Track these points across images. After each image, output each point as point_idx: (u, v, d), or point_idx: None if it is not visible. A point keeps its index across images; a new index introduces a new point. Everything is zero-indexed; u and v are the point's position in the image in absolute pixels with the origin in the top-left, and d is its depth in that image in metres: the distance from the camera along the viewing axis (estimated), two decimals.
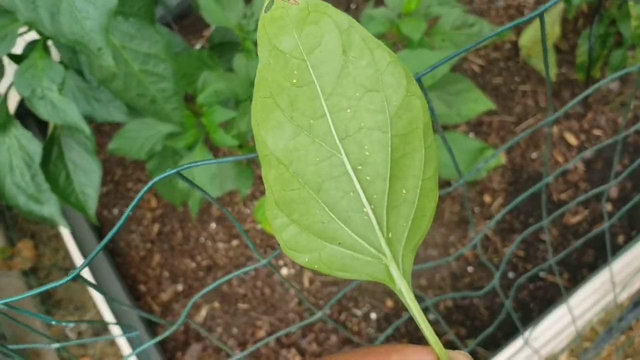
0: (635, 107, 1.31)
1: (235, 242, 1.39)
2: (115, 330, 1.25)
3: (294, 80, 0.21)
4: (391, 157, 0.20)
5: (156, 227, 1.47)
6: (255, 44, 0.95)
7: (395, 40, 0.89)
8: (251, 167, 0.99)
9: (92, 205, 0.88)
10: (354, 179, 0.20)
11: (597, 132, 1.30)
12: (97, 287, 0.34)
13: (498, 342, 1.21)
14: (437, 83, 0.83)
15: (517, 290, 1.23)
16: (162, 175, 0.28)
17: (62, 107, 0.78)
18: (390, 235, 0.20)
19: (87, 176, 0.92)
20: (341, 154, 0.20)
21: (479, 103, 0.91)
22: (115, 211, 1.51)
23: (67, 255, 1.53)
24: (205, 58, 0.98)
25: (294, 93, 0.21)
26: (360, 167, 0.20)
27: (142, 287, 1.41)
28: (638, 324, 1.30)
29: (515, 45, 1.44)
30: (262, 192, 1.38)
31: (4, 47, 0.75)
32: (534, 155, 1.31)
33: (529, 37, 1.44)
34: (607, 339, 1.29)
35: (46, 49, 0.77)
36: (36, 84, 0.80)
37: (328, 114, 0.20)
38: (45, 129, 1.36)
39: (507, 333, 1.21)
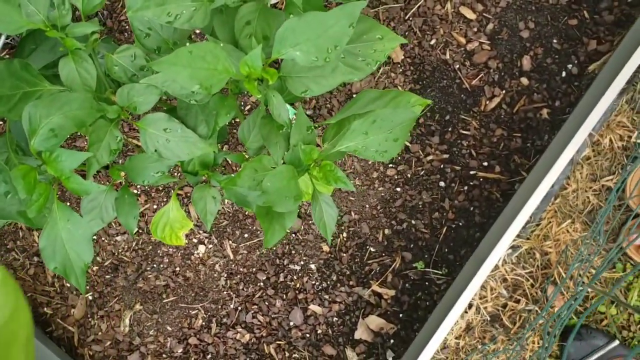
0: None
1: (134, 231, 1.19)
2: None
3: None
4: None
5: (35, 235, 1.24)
6: (83, 39, 0.70)
7: None
8: (130, 192, 0.79)
9: None
10: None
11: None
12: None
13: (446, 259, 1.15)
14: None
15: (452, 198, 1.15)
16: None
17: None
18: None
19: None
20: None
21: (386, 41, 0.73)
22: None
23: None
24: (20, 71, 0.72)
25: None
26: None
27: (47, 310, 1.21)
28: (569, 181, 1.27)
29: None
30: (157, 194, 1.17)
31: None
32: (433, 41, 1.16)
33: None
34: (543, 207, 1.27)
35: None
36: None
37: None
38: None
39: (454, 247, 1.15)
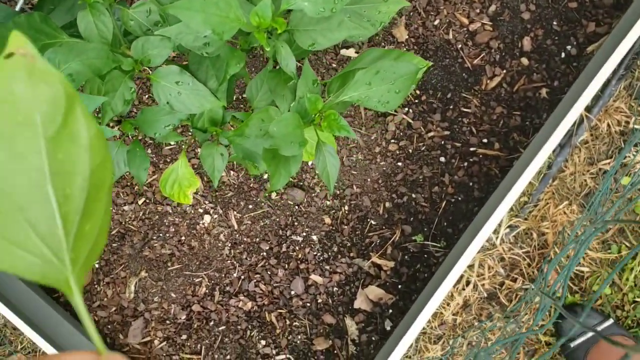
0: None
1: (142, 200, 1.22)
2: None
3: (19, 119, 0.25)
4: (86, 199, 0.26)
5: None
6: None
7: None
8: (141, 145, 0.82)
9: None
10: (55, 207, 0.25)
11: None
12: None
13: (445, 232, 1.18)
14: None
15: (452, 174, 1.18)
16: None
17: None
18: (73, 256, 0.26)
19: None
20: (48, 185, 0.25)
21: (390, 3, 0.77)
22: None
23: None
24: (40, 24, 0.75)
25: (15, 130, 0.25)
26: (62, 200, 0.26)
27: None
28: (567, 164, 1.30)
29: None
30: (165, 166, 1.20)
31: None
32: (436, 21, 1.20)
33: None
34: (542, 188, 1.30)
35: None
36: None
37: (45, 152, 0.25)
38: None
39: (452, 221, 1.18)
